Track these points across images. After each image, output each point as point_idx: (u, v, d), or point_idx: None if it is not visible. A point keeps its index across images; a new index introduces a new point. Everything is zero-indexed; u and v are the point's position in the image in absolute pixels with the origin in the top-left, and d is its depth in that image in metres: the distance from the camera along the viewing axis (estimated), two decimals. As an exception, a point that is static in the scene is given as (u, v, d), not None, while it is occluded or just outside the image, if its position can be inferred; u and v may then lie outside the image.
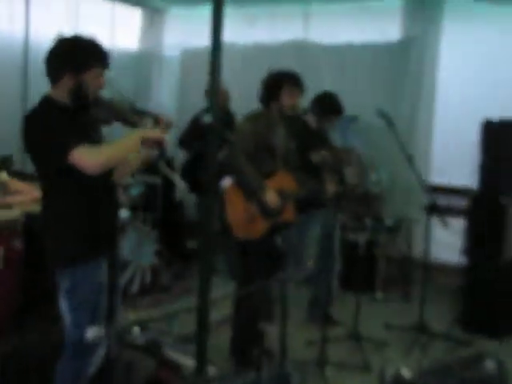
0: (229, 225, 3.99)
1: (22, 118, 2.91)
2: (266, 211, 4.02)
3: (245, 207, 4.00)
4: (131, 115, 3.02)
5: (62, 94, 2.93)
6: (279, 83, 4.19)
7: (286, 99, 4.18)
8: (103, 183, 3.02)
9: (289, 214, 4.25)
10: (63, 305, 3.02)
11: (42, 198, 3.06)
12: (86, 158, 2.80)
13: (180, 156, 6.89)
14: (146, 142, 2.92)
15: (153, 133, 2.93)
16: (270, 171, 4.15)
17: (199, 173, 6.17)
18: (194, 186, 5.91)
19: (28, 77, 6.59)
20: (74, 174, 2.83)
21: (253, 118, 4.22)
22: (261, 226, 4.05)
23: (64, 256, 2.98)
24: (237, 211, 3.99)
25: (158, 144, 2.95)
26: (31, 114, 2.93)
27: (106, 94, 3.09)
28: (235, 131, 4.14)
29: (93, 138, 3.02)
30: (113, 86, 3.08)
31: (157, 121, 3.12)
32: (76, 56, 2.89)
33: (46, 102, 2.96)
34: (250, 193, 3.97)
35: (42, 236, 3.05)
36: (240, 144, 3.99)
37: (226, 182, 4.04)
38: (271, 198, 4.03)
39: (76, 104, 2.94)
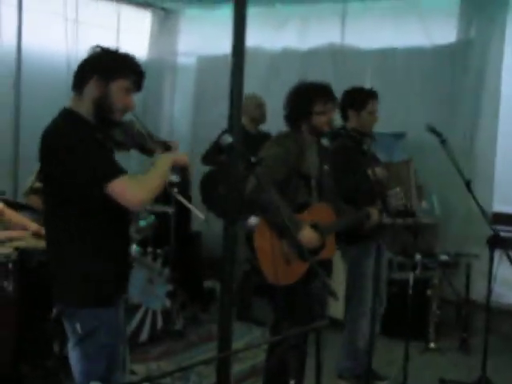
0: (260, 269, 3.94)
1: (43, 134, 2.95)
2: (302, 251, 3.99)
3: (280, 247, 3.97)
4: (149, 142, 3.13)
5: (85, 108, 2.98)
6: (309, 99, 4.19)
7: (318, 117, 4.18)
8: (125, 213, 3.07)
9: (330, 250, 4.26)
10: (74, 353, 3.04)
11: (51, 230, 3.07)
12: (130, 191, 2.85)
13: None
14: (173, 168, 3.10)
15: (181, 158, 3.13)
16: (304, 202, 4.16)
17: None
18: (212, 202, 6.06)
19: (21, 95, 6.73)
20: (102, 203, 2.87)
21: (281, 141, 4.21)
22: (298, 269, 4.02)
23: (81, 296, 2.99)
24: (270, 252, 3.93)
25: (183, 169, 3.14)
26: (54, 128, 2.96)
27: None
28: (263, 158, 4.02)
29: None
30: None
31: (167, 148, 3.24)
32: (107, 60, 3.00)
33: (70, 116, 3.00)
34: (283, 231, 3.93)
35: (51, 273, 3.07)
36: (268, 174, 3.89)
37: (253, 219, 4.03)
38: (307, 236, 4.02)
39: (99, 119, 2.99)
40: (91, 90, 2.96)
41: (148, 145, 3.16)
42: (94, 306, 2.97)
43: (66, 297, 3.03)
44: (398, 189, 4.43)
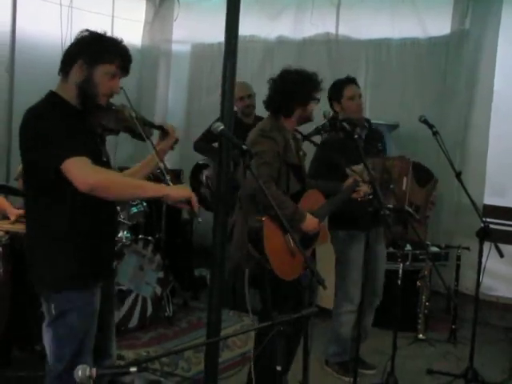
0: (269, 263, 3.86)
1: (24, 113, 2.97)
2: (305, 240, 4.00)
3: (285, 240, 3.92)
4: (141, 126, 3.11)
5: (70, 92, 3.01)
6: (311, 87, 4.16)
7: (312, 105, 4.18)
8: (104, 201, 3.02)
9: (324, 236, 4.28)
10: (46, 335, 3.09)
11: (29, 212, 3.11)
12: (82, 170, 2.82)
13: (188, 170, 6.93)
14: (171, 200, 2.95)
15: (178, 193, 2.94)
16: (297, 192, 4.15)
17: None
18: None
19: (14, 79, 6.72)
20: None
21: (269, 134, 4.12)
22: (301, 259, 3.99)
23: (55, 279, 3.03)
24: (278, 247, 3.89)
25: (187, 203, 2.94)
26: (33, 108, 2.98)
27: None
28: (257, 153, 3.92)
29: (100, 149, 3.11)
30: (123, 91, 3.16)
31: (164, 131, 3.24)
32: (92, 45, 3.00)
33: (52, 98, 3.03)
34: (288, 225, 3.89)
35: (27, 255, 3.12)
36: (270, 170, 3.89)
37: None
38: (310, 224, 4.02)
39: (83, 103, 3.01)
40: (76, 74, 2.99)
41: (139, 129, 3.15)
42: (68, 289, 3.00)
43: (42, 279, 3.06)
44: (360, 166, 4.39)
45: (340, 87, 4.94)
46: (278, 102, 4.22)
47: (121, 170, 3.33)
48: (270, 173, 3.91)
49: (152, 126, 3.32)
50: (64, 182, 2.85)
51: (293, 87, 4.18)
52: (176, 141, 3.37)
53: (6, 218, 4.86)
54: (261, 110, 6.31)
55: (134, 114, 3.17)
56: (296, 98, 4.18)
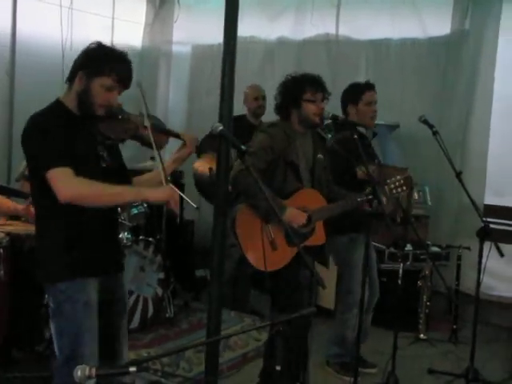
0: (243, 255, 3.98)
1: (27, 120, 3.09)
2: (289, 234, 3.97)
3: (265, 232, 3.92)
4: (150, 135, 3.17)
5: (73, 101, 3.15)
6: (299, 87, 4.21)
7: (307, 105, 4.20)
8: None
9: (319, 237, 4.25)
10: (51, 327, 3.19)
11: (36, 211, 3.26)
12: (61, 182, 2.95)
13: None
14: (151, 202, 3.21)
15: (156, 196, 3.12)
16: (294, 190, 4.17)
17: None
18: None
19: (15, 81, 6.75)
20: None
21: (267, 129, 4.24)
22: (284, 254, 4.01)
23: (49, 272, 3.15)
24: (254, 238, 3.94)
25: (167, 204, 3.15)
26: (35, 114, 3.11)
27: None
28: (250, 145, 4.07)
29: (100, 155, 3.18)
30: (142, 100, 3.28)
31: (184, 142, 3.31)
32: (93, 58, 3.13)
33: (55, 105, 3.17)
34: (266, 215, 3.94)
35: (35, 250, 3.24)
36: (251, 160, 3.86)
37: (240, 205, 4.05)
38: (291, 214, 4.01)
39: (81, 111, 3.14)
40: (77, 84, 3.13)
41: (146, 138, 3.21)
42: (58, 281, 3.09)
43: (40, 274, 3.19)
44: (398, 176, 4.40)
45: (360, 91, 4.96)
46: (276, 106, 4.34)
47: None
48: (252, 162, 3.84)
49: (169, 133, 3.38)
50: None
51: (282, 89, 4.31)
52: (190, 153, 3.46)
53: (12, 218, 4.87)
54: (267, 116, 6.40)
55: (148, 124, 3.21)
56: (286, 99, 4.27)
